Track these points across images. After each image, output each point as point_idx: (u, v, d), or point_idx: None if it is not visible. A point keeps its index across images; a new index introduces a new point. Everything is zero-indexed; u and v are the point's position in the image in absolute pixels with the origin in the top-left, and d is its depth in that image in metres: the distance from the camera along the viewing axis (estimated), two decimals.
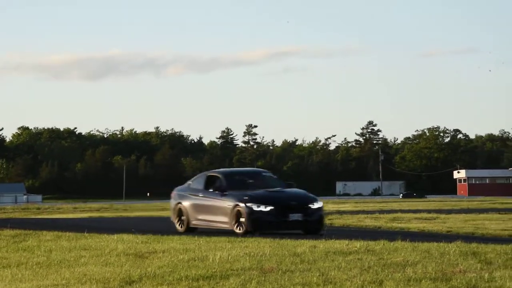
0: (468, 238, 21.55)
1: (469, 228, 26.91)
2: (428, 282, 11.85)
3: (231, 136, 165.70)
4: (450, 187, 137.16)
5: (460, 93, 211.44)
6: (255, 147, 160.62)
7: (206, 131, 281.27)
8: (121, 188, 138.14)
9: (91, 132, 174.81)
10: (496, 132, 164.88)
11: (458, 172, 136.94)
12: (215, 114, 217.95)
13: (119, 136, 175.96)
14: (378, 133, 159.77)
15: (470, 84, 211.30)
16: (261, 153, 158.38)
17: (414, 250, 16.51)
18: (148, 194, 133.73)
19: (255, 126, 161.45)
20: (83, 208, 70.40)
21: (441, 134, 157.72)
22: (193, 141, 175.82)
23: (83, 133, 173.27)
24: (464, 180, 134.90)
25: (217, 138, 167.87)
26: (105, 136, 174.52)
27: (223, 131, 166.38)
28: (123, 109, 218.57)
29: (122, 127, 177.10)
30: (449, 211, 45.46)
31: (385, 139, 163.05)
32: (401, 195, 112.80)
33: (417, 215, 38.91)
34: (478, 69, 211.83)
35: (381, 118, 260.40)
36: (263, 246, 18.01)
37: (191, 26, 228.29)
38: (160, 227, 29.73)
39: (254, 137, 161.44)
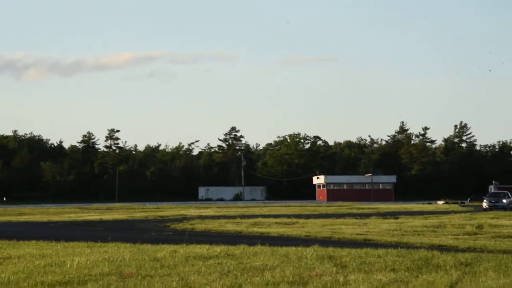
0: (325, 242, 22.12)
1: (326, 233, 27.61)
2: (285, 285, 12.09)
3: (92, 140, 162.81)
4: (310, 192, 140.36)
5: (319, 100, 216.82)
6: (117, 151, 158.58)
7: (67, 135, 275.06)
8: None
9: None
10: (353, 139, 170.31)
11: (318, 178, 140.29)
12: (76, 118, 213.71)
13: None
14: (241, 139, 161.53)
15: (328, 92, 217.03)
16: (123, 157, 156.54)
17: (273, 254, 16.80)
18: (4, 198, 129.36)
19: (118, 131, 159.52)
20: None
21: (302, 140, 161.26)
22: (53, 145, 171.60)
23: None
24: (323, 186, 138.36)
25: (78, 142, 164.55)
26: None
27: (85, 135, 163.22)
28: None
29: None
30: (308, 216, 46.47)
31: (248, 145, 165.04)
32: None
33: (278, 220, 39.51)
34: (336, 78, 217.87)
35: (244, 124, 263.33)
36: (123, 251, 17.83)
37: (54, 28, 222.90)
38: (16, 232, 28.85)
39: (117, 142, 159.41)
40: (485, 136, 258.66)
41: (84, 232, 29.35)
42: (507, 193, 66.98)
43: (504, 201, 63.81)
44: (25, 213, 62.72)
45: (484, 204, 63.74)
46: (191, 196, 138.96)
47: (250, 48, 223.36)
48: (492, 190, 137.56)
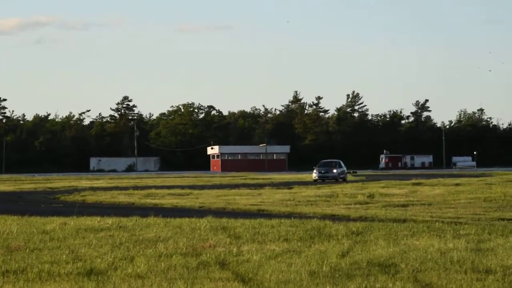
0: (219, 213, 22.25)
1: (220, 204, 27.76)
2: (179, 257, 12.10)
3: None
4: (204, 163, 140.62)
5: (214, 69, 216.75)
6: (4, 121, 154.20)
7: None
8: None
9: None
10: (248, 109, 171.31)
11: (212, 148, 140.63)
12: None
13: None
14: (134, 108, 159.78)
15: (223, 60, 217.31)
16: (10, 127, 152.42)
17: (166, 226, 16.79)
18: None
19: (4, 100, 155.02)
20: None
21: (196, 110, 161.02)
22: None
23: None
24: (218, 156, 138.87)
25: None
26: None
27: None
28: None
29: None
30: (202, 187, 46.59)
31: (141, 115, 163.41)
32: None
33: (171, 191, 39.47)
34: (235, 45, 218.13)
35: (137, 94, 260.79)
36: (10, 224, 17.43)
37: None
38: None
39: (3, 111, 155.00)
40: (377, 106, 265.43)
41: None
42: (339, 162, 63.56)
43: (335, 171, 60.32)
44: None
45: (314, 175, 60.34)
46: (82, 167, 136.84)
47: (144, 15, 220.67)
48: (383, 160, 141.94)
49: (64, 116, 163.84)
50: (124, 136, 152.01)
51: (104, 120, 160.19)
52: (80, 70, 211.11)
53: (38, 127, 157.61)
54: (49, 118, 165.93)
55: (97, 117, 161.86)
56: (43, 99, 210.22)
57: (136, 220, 18.06)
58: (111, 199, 32.40)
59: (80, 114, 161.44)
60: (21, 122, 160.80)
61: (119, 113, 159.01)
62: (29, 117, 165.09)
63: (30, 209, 24.00)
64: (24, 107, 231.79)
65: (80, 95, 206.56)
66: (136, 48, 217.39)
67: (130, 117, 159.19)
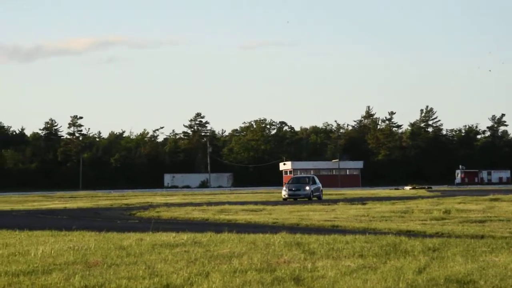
0: (293, 229, 22.21)
1: (294, 219, 27.70)
2: (253, 273, 12.12)
3: (55, 128, 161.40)
4: (277, 178, 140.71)
5: (285, 85, 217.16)
6: (80, 138, 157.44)
7: (29, 122, 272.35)
8: None
9: None
10: (320, 125, 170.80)
11: (284, 164, 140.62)
12: (38, 104, 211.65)
13: None
14: (206, 125, 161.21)
15: (295, 76, 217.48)
16: (87, 145, 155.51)
17: (241, 242, 16.83)
18: None
19: (81, 118, 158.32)
20: None
21: (268, 126, 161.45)
22: (14, 133, 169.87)
23: None
24: (290, 172, 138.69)
25: (40, 129, 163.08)
26: None
27: (47, 122, 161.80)
28: None
29: None
30: (275, 203, 46.55)
31: (213, 131, 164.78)
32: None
33: (244, 207, 39.58)
34: (306, 61, 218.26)
35: (209, 110, 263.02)
36: (88, 239, 17.74)
37: (12, 12, 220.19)
38: None
39: (80, 129, 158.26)
40: (451, 120, 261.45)
41: (48, 221, 29.14)
42: (313, 177, 55.97)
43: (308, 188, 52.70)
44: None
45: (283, 193, 53.15)
46: (156, 183, 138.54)
47: (214, 31, 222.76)
48: (459, 175, 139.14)
49: (138, 133, 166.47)
50: (197, 152, 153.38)
51: (178, 136, 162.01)
52: (153, 88, 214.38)
53: (114, 144, 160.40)
54: (124, 136, 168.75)
55: (170, 133, 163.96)
56: (118, 117, 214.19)
57: (210, 236, 18.16)
58: (185, 215, 32.67)
59: (154, 131, 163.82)
60: (97, 139, 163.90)
61: (192, 129, 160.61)
62: (105, 134, 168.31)
63: (107, 225, 24.40)
64: (100, 124, 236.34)
65: (154, 112, 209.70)
66: (208, 64, 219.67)
67: (203, 134, 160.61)
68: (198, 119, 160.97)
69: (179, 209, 38.60)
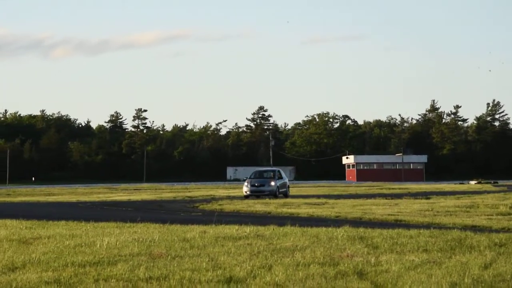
0: (356, 223, 22.08)
1: (357, 213, 27.55)
2: (316, 266, 12.10)
3: (120, 120, 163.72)
4: (339, 172, 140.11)
5: (349, 79, 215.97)
6: (144, 131, 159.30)
7: (95, 115, 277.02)
8: (4, 173, 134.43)
9: None
10: (383, 118, 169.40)
11: (347, 158, 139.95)
12: (103, 97, 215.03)
13: (1, 119, 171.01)
14: (269, 118, 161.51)
15: (358, 70, 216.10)
16: (151, 137, 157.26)
17: (303, 235, 16.80)
18: (33, 179, 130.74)
19: (145, 110, 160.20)
20: None
21: (331, 119, 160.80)
22: (80, 125, 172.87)
23: None
24: (353, 166, 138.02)
25: (105, 122, 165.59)
26: None
27: (112, 115, 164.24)
28: (6, 92, 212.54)
29: (6, 110, 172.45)
30: (338, 196, 46.37)
31: (276, 125, 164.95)
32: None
33: (307, 200, 39.51)
34: (370, 55, 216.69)
35: (272, 103, 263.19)
36: (152, 231, 17.94)
37: (80, 6, 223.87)
38: (46, 212, 29.14)
39: (144, 122, 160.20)
40: None
41: (113, 212, 29.58)
42: (278, 171, 49.17)
43: (273, 183, 46.43)
44: (53, 193, 63.34)
45: (245, 189, 46.60)
46: (219, 176, 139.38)
47: (278, 25, 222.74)
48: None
49: (201, 127, 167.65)
50: (260, 145, 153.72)
51: (240, 130, 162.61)
52: (217, 81, 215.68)
53: (177, 137, 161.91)
54: (187, 129, 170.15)
55: (233, 127, 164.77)
56: (182, 110, 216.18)
57: (273, 229, 18.18)
58: (248, 208, 32.77)
59: (217, 124, 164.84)
60: (161, 132, 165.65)
61: (255, 123, 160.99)
62: (168, 127, 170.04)
63: (171, 217, 24.64)
64: (164, 117, 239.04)
65: (217, 105, 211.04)
66: (271, 58, 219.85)
67: (265, 127, 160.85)
68: (261, 113, 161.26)
69: (242, 202, 38.74)
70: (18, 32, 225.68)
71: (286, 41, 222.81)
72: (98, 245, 14.80)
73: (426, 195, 48.65)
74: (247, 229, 18.01)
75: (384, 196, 47.22)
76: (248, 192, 46.09)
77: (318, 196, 45.43)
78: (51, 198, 49.47)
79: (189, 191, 62.06)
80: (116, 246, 14.76)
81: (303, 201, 38.19)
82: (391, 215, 26.67)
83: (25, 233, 17.45)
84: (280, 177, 47.87)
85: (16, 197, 52.92)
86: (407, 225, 21.14)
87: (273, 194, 46.08)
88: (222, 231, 17.77)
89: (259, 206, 34.12)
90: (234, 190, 65.56)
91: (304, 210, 30.65)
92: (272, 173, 48.49)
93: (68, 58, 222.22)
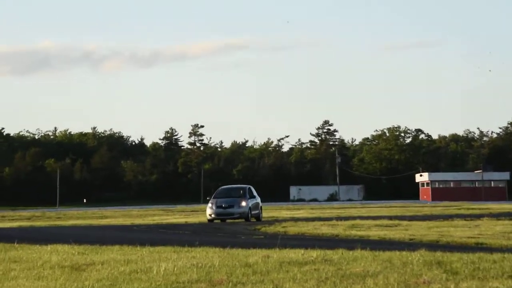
0: (432, 246, 21.82)
1: (433, 236, 27.25)
2: None
3: (175, 137, 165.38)
4: (412, 191, 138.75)
5: (422, 90, 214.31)
6: (201, 148, 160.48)
7: (148, 132, 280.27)
8: (54, 194, 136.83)
9: (21, 133, 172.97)
10: (460, 132, 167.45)
11: (421, 175, 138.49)
12: (157, 113, 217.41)
13: (51, 137, 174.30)
14: (335, 133, 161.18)
15: (432, 81, 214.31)
16: (208, 155, 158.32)
17: (375, 260, 16.66)
18: (84, 200, 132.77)
19: (202, 126, 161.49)
20: (12, 217, 69.54)
21: (402, 134, 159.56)
22: (134, 143, 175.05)
23: (11, 134, 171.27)
24: (427, 184, 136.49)
25: (160, 139, 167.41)
26: (36, 137, 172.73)
27: (167, 132, 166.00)
28: (56, 108, 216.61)
29: (55, 128, 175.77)
30: (411, 218, 45.97)
31: (342, 140, 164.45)
32: None
33: (377, 221, 39.29)
34: (445, 63, 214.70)
35: (338, 118, 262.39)
36: (212, 256, 18.01)
37: (130, 16, 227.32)
38: (99, 236, 29.52)
39: (201, 138, 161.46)
40: None
41: (170, 236, 29.81)
42: (249, 188, 44.32)
43: (244, 203, 41.72)
44: (106, 216, 64.22)
45: (208, 211, 41.94)
46: (281, 196, 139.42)
47: (342, 33, 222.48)
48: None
49: (262, 143, 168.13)
50: (325, 163, 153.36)
51: (304, 146, 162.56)
52: (279, 94, 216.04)
53: (236, 154, 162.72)
54: (247, 145, 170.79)
55: (296, 143, 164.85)
56: (241, 125, 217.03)
57: (342, 253, 18.07)
58: (313, 230, 32.70)
59: (279, 140, 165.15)
60: (219, 149, 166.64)
61: (320, 138, 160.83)
62: (227, 144, 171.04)
63: (231, 240, 24.70)
64: (222, 133, 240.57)
65: (279, 120, 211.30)
66: (336, 68, 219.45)
67: (331, 143, 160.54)
68: (326, 127, 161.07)
69: (307, 223, 38.68)
70: (65, 44, 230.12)
71: (353, 50, 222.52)
72: (154, 271, 14.92)
73: (510, 215, 47.85)
74: (314, 253, 17.95)
75: (463, 217, 46.60)
76: (212, 215, 41.48)
77: (390, 217, 45.12)
78: (104, 221, 50.13)
79: None
80: (173, 272, 14.86)
81: (374, 223, 37.98)
82: (471, 237, 26.31)
83: (77, 259, 17.69)
84: (252, 196, 43.22)
85: (67, 221, 53.81)
86: (490, 249, 20.82)
87: (245, 217, 41.59)
88: (287, 256, 17.74)
89: (325, 228, 34.03)
90: (299, 211, 65.51)
91: (374, 232, 30.46)
92: (241, 191, 43.49)
93: (119, 71, 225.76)
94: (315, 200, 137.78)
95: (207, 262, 16.46)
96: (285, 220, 44.69)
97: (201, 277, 14.15)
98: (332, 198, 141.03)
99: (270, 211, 67.05)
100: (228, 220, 41.69)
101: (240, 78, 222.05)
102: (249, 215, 41.70)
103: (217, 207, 41.38)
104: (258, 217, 43.40)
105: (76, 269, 15.90)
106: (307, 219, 45.16)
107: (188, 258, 17.63)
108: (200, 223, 44.22)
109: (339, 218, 44.84)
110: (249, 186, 45.53)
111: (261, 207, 44.79)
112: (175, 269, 15.31)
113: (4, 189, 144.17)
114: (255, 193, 44.15)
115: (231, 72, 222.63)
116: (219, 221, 41.59)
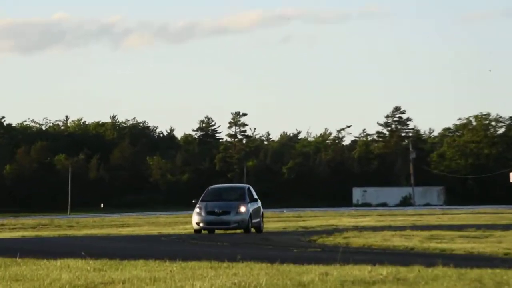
0: None
1: None
2: None
3: (212, 128, 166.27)
4: (506, 194, 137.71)
5: None
6: (244, 142, 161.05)
7: (179, 122, 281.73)
8: (65, 197, 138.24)
9: (25, 123, 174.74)
10: None
11: None
12: (190, 98, 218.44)
13: (62, 128, 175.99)
14: (408, 122, 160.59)
15: None
16: (252, 149, 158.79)
17: (460, 279, 16.55)
18: (102, 205, 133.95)
19: (244, 115, 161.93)
20: (13, 225, 70.33)
21: (493, 123, 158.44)
22: (161, 135, 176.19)
23: (13, 125, 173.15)
24: None
25: (193, 130, 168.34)
26: (44, 128, 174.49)
27: (202, 121, 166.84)
28: (67, 92, 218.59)
29: (67, 117, 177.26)
30: (506, 227, 45.63)
31: (418, 131, 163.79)
32: None
33: (463, 232, 39.13)
34: None
35: (412, 103, 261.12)
36: (258, 273, 18.00)
37: None
38: (119, 249, 29.70)
39: (243, 129, 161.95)
40: None
41: (206, 249, 29.90)
42: (248, 188, 41.79)
43: (243, 209, 39.05)
44: (129, 223, 64.68)
45: (196, 219, 39.21)
46: (342, 200, 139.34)
47: (410, 7, 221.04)
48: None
49: (318, 135, 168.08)
50: (396, 159, 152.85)
51: (370, 138, 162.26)
52: (337, 75, 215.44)
53: (286, 148, 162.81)
54: (300, 137, 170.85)
55: (360, 134, 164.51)
56: (292, 113, 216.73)
57: (419, 271, 17.99)
58: (382, 242, 32.62)
59: (339, 131, 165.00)
60: (265, 142, 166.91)
61: (389, 129, 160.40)
62: (275, 136, 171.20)
63: (280, 254, 24.68)
64: (269, 123, 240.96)
65: (338, 106, 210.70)
66: (408, 43, 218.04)
67: (403, 134, 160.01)
68: (397, 115, 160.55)
69: (374, 234, 38.55)
70: (82, 16, 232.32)
71: (426, 20, 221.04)
72: None
73: None
74: (384, 271, 17.88)
75: None
76: (201, 224, 39.15)
77: (479, 226, 44.82)
78: (125, 231, 50.47)
79: (303, 220, 62.27)
80: None
81: (458, 233, 37.78)
82: None
83: (93, 277, 17.79)
84: (253, 199, 40.31)
85: (81, 230, 54.30)
86: None
87: (244, 228, 39.33)
88: (350, 273, 17.69)
89: (397, 239, 33.92)
90: (364, 218, 65.40)
91: (459, 245, 30.30)
92: (239, 192, 41.05)
93: (145, 48, 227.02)
94: (384, 204, 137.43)
95: (252, 281, 16.48)
96: (347, 229, 44.63)
97: None
98: (406, 202, 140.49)
99: (327, 218, 67.00)
100: (216, 231, 39.78)
101: (289, 55, 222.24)
102: (250, 224, 39.40)
103: (208, 213, 38.89)
104: (259, 227, 41.12)
105: None
106: (374, 228, 45.08)
107: (228, 275, 17.66)
108: (241, 232, 44.32)
109: (414, 227, 44.66)
110: (248, 186, 43.57)
111: (262, 213, 42.35)
112: None
113: (4, 191, 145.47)
114: (255, 195, 41.19)
115: (278, 47, 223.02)
116: (206, 232, 39.51)
